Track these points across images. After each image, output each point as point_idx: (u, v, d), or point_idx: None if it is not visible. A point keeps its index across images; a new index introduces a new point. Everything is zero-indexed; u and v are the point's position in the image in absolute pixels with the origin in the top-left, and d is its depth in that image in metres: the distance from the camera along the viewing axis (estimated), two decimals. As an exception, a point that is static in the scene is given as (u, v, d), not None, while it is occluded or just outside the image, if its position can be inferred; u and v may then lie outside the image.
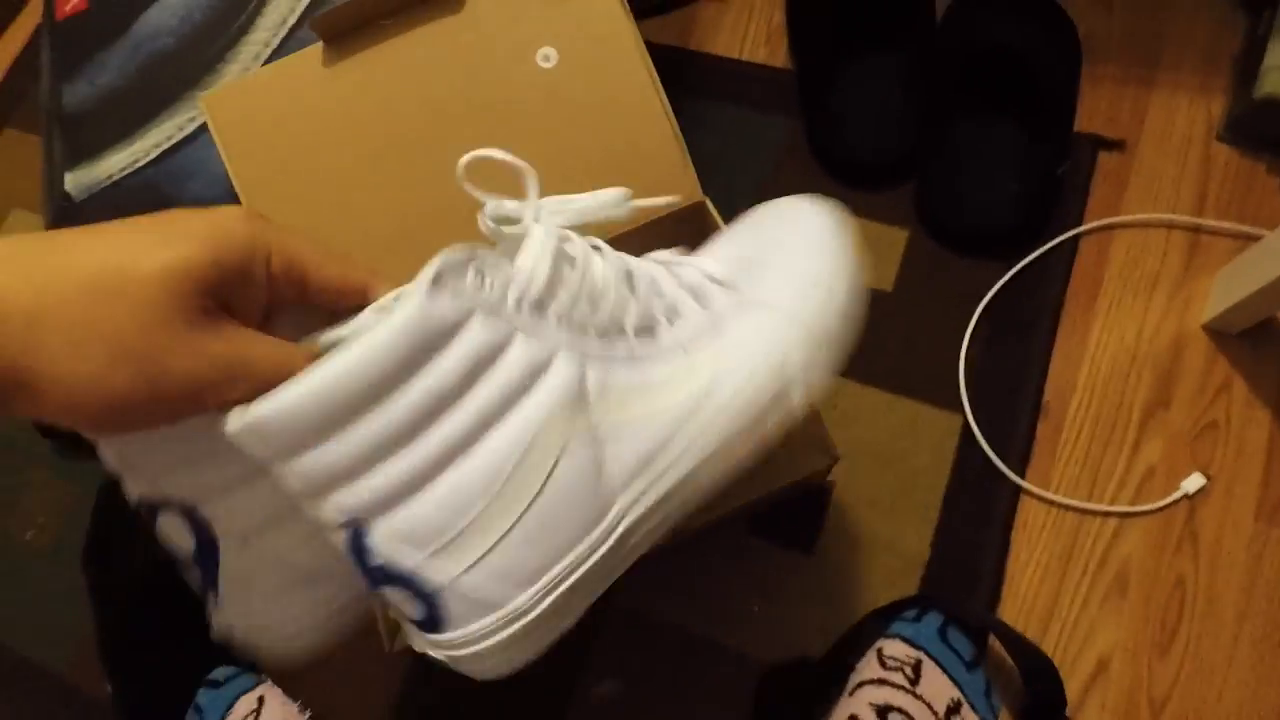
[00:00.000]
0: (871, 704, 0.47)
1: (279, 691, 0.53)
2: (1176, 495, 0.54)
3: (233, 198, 0.57)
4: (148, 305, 0.22)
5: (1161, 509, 0.54)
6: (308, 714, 0.53)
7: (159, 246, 0.22)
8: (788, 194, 0.66)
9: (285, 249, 0.26)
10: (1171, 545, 0.53)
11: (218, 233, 0.23)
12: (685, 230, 0.55)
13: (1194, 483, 0.54)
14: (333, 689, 0.56)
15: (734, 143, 0.69)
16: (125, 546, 0.58)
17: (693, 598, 0.55)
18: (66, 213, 0.58)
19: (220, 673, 0.53)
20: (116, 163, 0.60)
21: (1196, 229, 0.61)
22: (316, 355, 0.25)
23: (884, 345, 0.60)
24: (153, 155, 0.60)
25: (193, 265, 0.22)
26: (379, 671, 0.56)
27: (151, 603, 0.57)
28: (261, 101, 0.51)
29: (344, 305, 0.28)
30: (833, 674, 0.52)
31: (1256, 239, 0.59)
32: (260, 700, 0.52)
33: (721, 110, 0.71)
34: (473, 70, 0.51)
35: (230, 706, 0.52)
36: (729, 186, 0.67)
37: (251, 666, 0.55)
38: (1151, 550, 0.53)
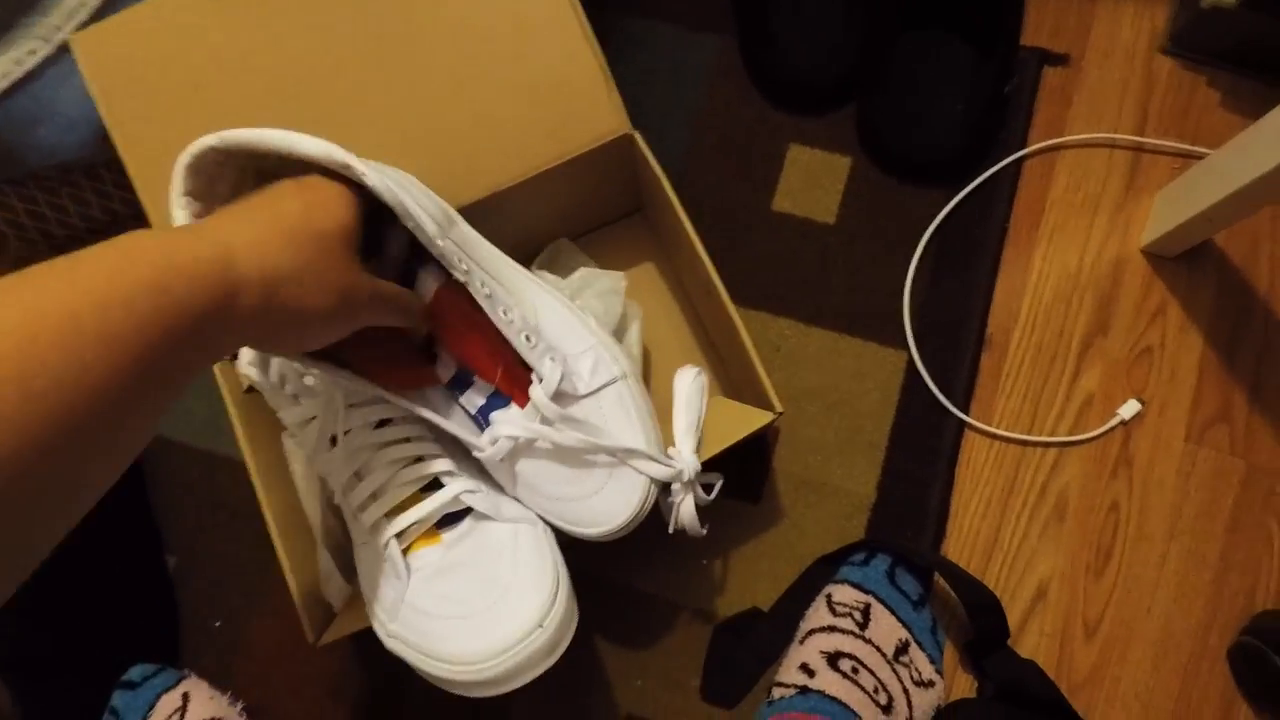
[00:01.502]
0: (822, 652, 0.47)
1: (205, 685, 0.50)
2: (1113, 423, 0.54)
3: (94, 144, 0.50)
4: (339, 253, 0.31)
5: (1098, 437, 0.54)
6: (240, 705, 0.50)
7: (327, 211, 0.32)
8: (723, 119, 0.62)
9: None
10: (1107, 471, 0.54)
11: (349, 198, 0.33)
12: (613, 165, 0.51)
13: (1130, 409, 0.54)
14: (266, 679, 0.54)
15: (663, 64, 0.63)
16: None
17: (638, 554, 0.53)
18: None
19: (136, 672, 0.49)
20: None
21: (1139, 148, 0.59)
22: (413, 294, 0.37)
23: (827, 282, 0.58)
24: (-17, 95, 0.50)
25: (352, 223, 0.32)
26: (313, 659, 0.54)
27: (44, 616, 0.52)
28: (138, 40, 0.44)
29: None
30: (784, 623, 0.52)
31: (1197, 158, 0.59)
32: (185, 697, 0.49)
33: (650, 28, 0.64)
34: (368, -3, 0.44)
35: (151, 707, 0.48)
36: (660, 115, 0.62)
37: (171, 663, 0.51)
38: (1089, 477, 0.54)
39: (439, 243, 0.35)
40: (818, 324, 0.57)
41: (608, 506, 0.37)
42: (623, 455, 0.36)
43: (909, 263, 0.58)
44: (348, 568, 0.44)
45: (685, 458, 0.38)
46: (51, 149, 0.49)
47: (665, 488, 0.39)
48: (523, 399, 0.37)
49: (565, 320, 0.39)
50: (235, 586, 0.55)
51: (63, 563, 0.49)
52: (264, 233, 0.29)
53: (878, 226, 0.59)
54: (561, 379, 0.36)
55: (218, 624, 0.55)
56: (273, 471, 0.47)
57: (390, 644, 0.36)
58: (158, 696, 0.49)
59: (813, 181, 0.60)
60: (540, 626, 0.33)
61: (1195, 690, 0.50)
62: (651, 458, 0.36)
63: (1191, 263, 0.57)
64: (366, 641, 0.44)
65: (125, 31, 0.44)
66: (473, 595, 0.34)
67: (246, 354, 0.42)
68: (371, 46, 0.45)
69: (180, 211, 0.31)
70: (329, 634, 0.43)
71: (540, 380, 0.36)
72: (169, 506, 0.57)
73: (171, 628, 0.55)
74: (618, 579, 0.54)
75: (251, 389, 0.49)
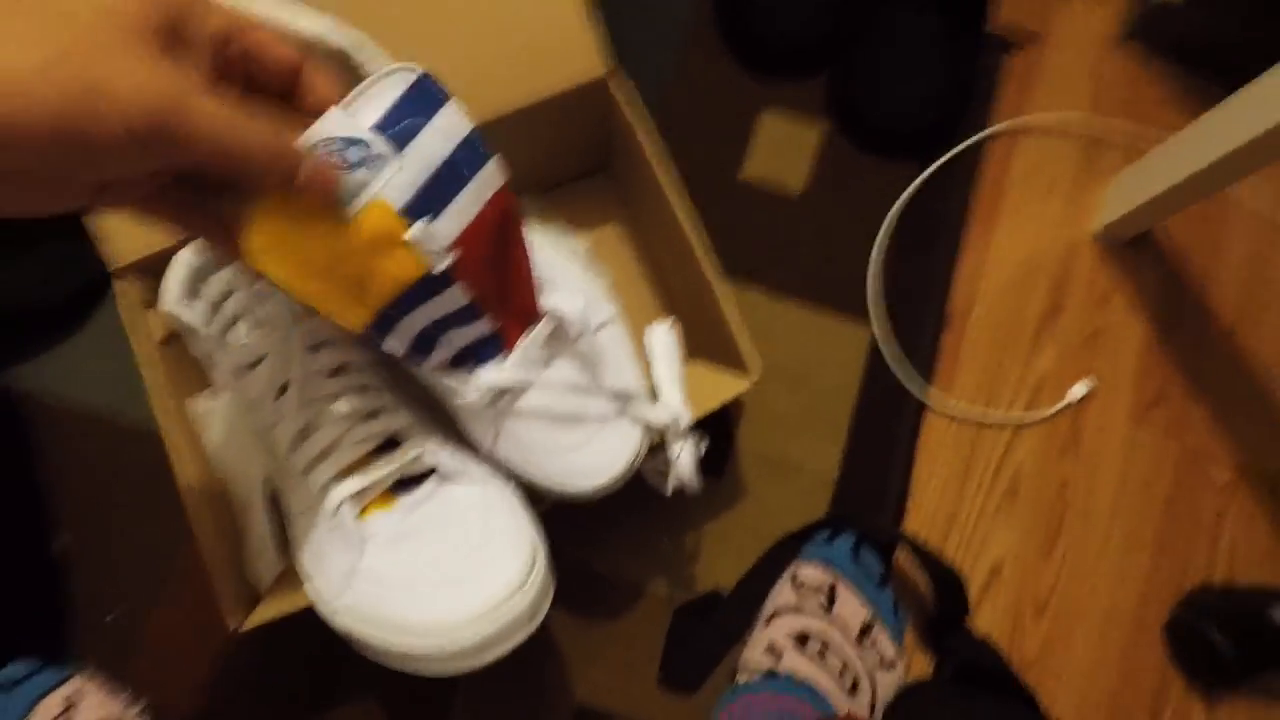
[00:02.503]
0: (789, 634, 0.46)
1: (96, 685, 0.43)
2: (1064, 403, 0.55)
3: None
4: (106, 8, 0.20)
5: (1050, 417, 0.55)
6: (140, 705, 0.44)
7: None
8: (694, 81, 0.58)
9: (220, 10, 0.24)
10: (1057, 451, 0.55)
11: None
12: (588, 111, 0.47)
13: (1080, 389, 0.55)
14: (168, 676, 0.47)
15: (633, 17, 0.59)
16: None
17: (595, 532, 0.50)
18: None
19: (10, 672, 0.42)
20: None
21: (1094, 135, 0.60)
22: (266, 133, 0.23)
23: (795, 253, 0.56)
24: None
25: None
26: (223, 654, 0.48)
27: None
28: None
29: (277, 77, 0.26)
30: (747, 603, 0.50)
31: (1151, 146, 0.60)
32: (68, 701, 0.42)
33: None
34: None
35: (27, 712, 0.41)
36: (628, 73, 0.58)
37: (56, 660, 0.44)
38: (1041, 457, 0.55)
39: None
40: (783, 296, 0.55)
41: (599, 458, 0.33)
42: (620, 399, 0.33)
43: (874, 237, 0.56)
44: (278, 543, 0.39)
45: (677, 406, 0.35)
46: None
47: (649, 452, 0.36)
48: (512, 343, 0.33)
49: (554, 258, 0.35)
50: (133, 573, 0.48)
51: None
52: None
53: (846, 199, 0.57)
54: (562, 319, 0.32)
55: (110, 617, 0.48)
56: (186, 436, 0.41)
57: (338, 620, 0.32)
58: (35, 701, 0.42)
59: (782, 150, 0.58)
60: (521, 589, 0.29)
61: (1134, 666, 0.52)
62: (647, 402, 0.33)
63: (1139, 249, 0.58)
64: (285, 633, 0.39)
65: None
66: (440, 560, 0.30)
67: (173, 289, 0.36)
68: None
69: None
70: (255, 617, 0.37)
71: (541, 320, 0.32)
72: (58, 481, 0.49)
73: (56, 619, 0.48)
74: (572, 557, 0.50)
75: (167, 340, 0.42)
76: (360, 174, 0.26)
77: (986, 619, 0.52)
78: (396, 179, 0.27)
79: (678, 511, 0.51)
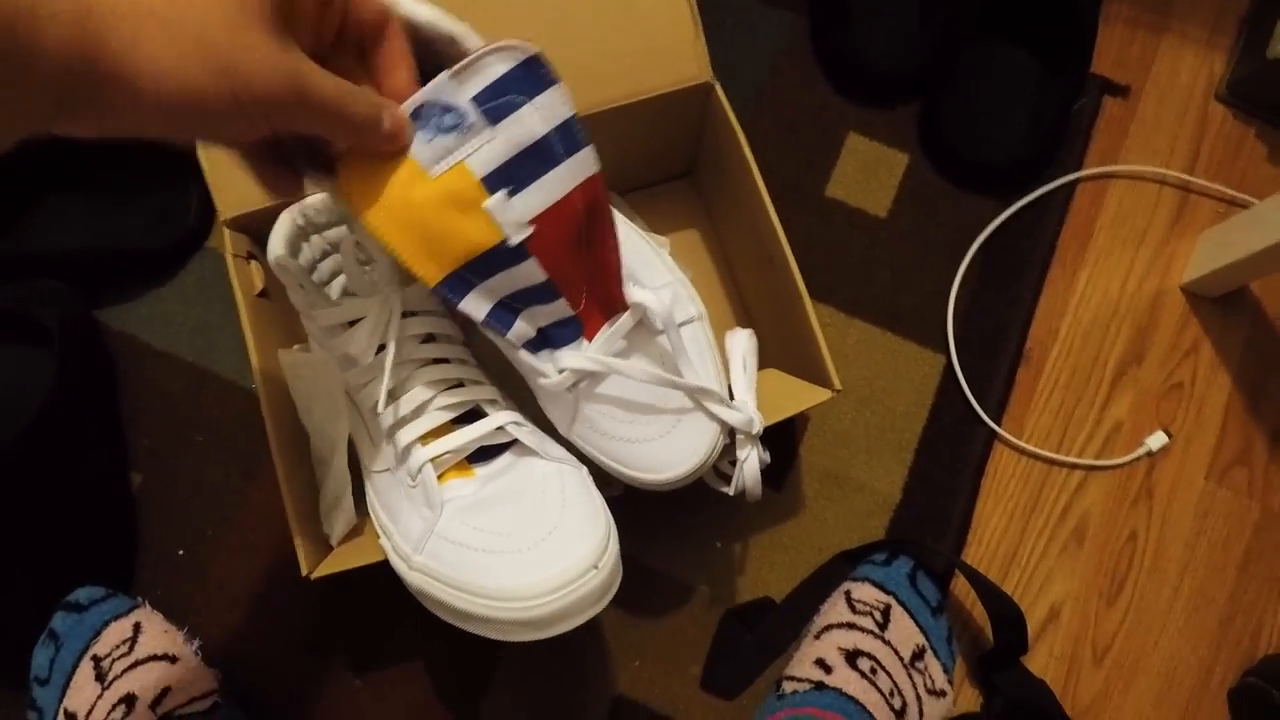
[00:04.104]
0: (840, 648, 0.45)
1: (159, 618, 0.45)
2: (1139, 452, 0.54)
3: None
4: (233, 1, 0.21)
5: (1124, 465, 0.54)
6: (196, 643, 0.45)
7: None
8: (785, 99, 0.60)
9: None
10: (1129, 500, 0.53)
11: None
12: (684, 115, 0.48)
13: (1157, 440, 0.54)
14: (227, 618, 0.49)
15: (730, 34, 0.61)
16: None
17: (652, 530, 0.50)
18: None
19: (84, 594, 0.44)
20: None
21: (1187, 187, 0.60)
22: (371, 103, 0.26)
23: (873, 275, 0.56)
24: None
25: None
26: (281, 602, 0.49)
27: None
28: None
29: (359, 29, 0.27)
30: (795, 616, 0.49)
31: (1242, 205, 0.59)
32: (137, 628, 0.44)
33: (718, -7, 0.62)
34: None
35: (97, 634, 0.43)
36: (721, 83, 0.60)
37: (124, 590, 0.46)
38: (1111, 504, 0.53)
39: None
40: (858, 315, 0.56)
41: (674, 452, 0.34)
42: (698, 396, 0.33)
43: (956, 267, 0.56)
44: (355, 498, 0.40)
45: (751, 410, 0.35)
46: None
47: (721, 451, 0.36)
48: (593, 331, 0.34)
49: (643, 253, 0.36)
50: (204, 515, 0.50)
51: (12, 463, 0.44)
52: None
53: (928, 227, 0.58)
54: (646, 311, 0.33)
55: (180, 552, 0.50)
56: (276, 384, 0.43)
57: (412, 577, 0.33)
58: (105, 623, 0.44)
59: (868, 173, 0.59)
60: (595, 568, 0.30)
61: (1195, 728, 0.50)
62: (725, 402, 0.34)
63: (1228, 305, 0.57)
64: (341, 589, 0.40)
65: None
66: (518, 530, 0.31)
67: (277, 243, 0.38)
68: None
69: None
70: (326, 566, 0.39)
71: (625, 310, 0.33)
72: (141, 419, 0.52)
73: (128, 551, 0.50)
74: (624, 549, 0.50)
75: (264, 293, 0.45)
76: (450, 139, 0.28)
77: (1041, 660, 0.50)
78: (484, 150, 0.28)
79: (733, 516, 0.51)
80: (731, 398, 0.38)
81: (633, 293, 0.33)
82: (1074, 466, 0.54)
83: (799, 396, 0.42)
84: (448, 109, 0.28)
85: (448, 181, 0.28)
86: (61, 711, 0.41)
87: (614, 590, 0.31)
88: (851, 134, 0.59)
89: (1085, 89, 0.59)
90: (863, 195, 0.58)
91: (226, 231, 0.42)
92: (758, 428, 0.35)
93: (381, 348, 0.35)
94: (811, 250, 0.56)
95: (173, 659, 0.43)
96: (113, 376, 0.52)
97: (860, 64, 0.58)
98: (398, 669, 0.48)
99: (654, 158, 0.53)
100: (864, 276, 0.56)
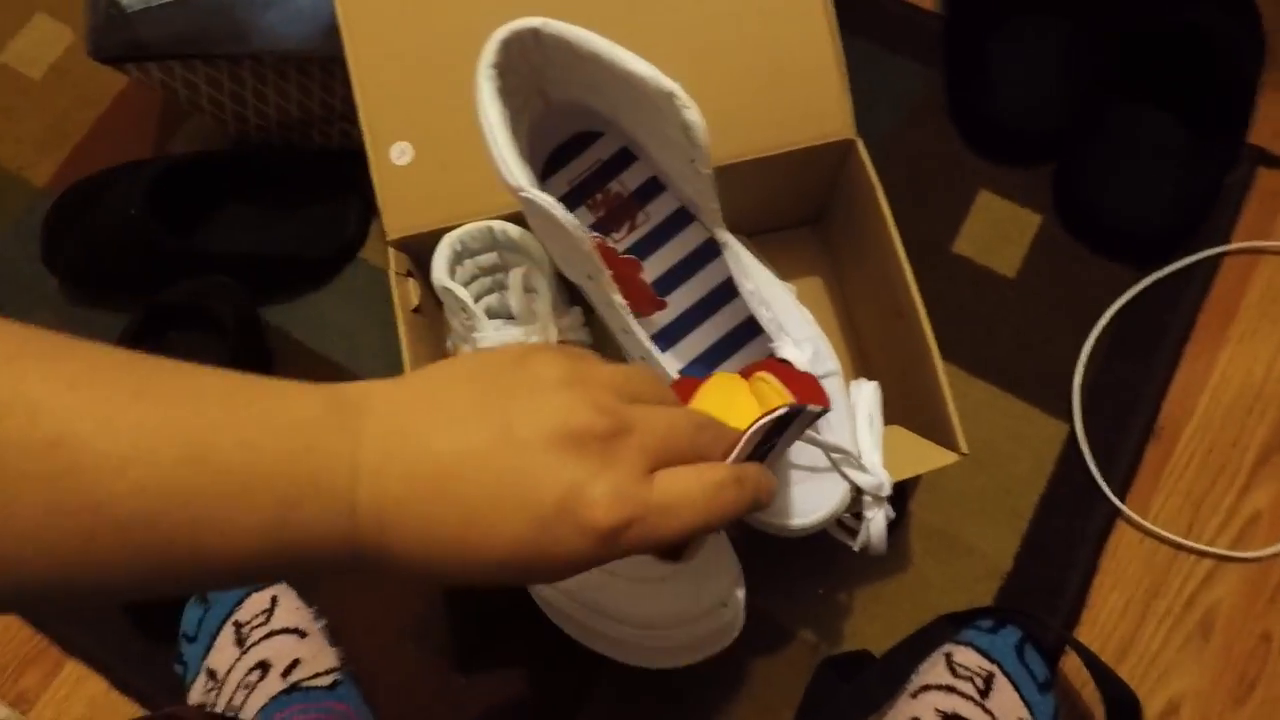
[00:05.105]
0: (939, 710, 0.44)
1: (294, 594, 0.49)
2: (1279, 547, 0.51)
3: (318, 39, 0.50)
4: (568, 507, 0.23)
5: (1262, 559, 0.51)
6: (323, 622, 0.48)
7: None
8: (916, 153, 0.60)
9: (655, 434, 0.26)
10: (1265, 597, 0.50)
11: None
12: (823, 168, 0.49)
13: (1300, 537, 0.51)
14: (352, 601, 0.52)
15: (863, 84, 0.62)
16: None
17: (755, 567, 0.51)
18: (112, 23, 0.50)
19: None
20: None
21: (1348, 270, 0.56)
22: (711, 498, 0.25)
23: (998, 335, 0.56)
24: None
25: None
26: (400, 590, 0.52)
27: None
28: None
29: None
30: (893, 674, 0.49)
31: None
32: (274, 600, 0.48)
33: (853, 44, 0.63)
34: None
35: (240, 602, 0.47)
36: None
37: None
38: (1243, 599, 0.50)
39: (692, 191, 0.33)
40: (980, 376, 0.55)
41: (806, 502, 0.35)
42: (835, 456, 0.34)
43: (1087, 334, 0.55)
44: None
45: (881, 472, 0.36)
46: (277, 34, 0.49)
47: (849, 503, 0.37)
48: None
49: (787, 306, 0.37)
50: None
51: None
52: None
53: (1058, 291, 0.56)
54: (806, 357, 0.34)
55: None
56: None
57: (547, 591, 0.34)
58: (248, 593, 0.48)
59: (998, 232, 0.58)
60: (724, 605, 0.31)
61: None
62: (858, 465, 0.34)
63: (1390, 399, 0.53)
64: (464, 591, 0.42)
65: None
66: (655, 561, 0.32)
67: (440, 267, 0.41)
68: (624, 5, 0.45)
69: (487, 84, 0.30)
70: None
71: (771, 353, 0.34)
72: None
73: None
74: (725, 589, 0.51)
75: (418, 309, 0.48)
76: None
77: (1157, 758, 0.48)
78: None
79: (839, 566, 0.51)
80: (859, 452, 0.38)
81: (783, 347, 0.35)
82: (1204, 554, 0.51)
83: (924, 457, 0.42)
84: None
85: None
86: (204, 668, 0.45)
87: (739, 628, 0.32)
88: (983, 191, 0.59)
89: (1239, 159, 0.57)
90: (991, 254, 0.58)
91: (390, 250, 0.46)
92: (887, 490, 0.36)
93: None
94: (935, 306, 0.56)
95: (302, 634, 0.46)
96: (270, 368, 0.57)
97: (997, 122, 0.58)
98: (501, 671, 0.50)
99: (784, 204, 0.54)
100: (988, 336, 0.56)
